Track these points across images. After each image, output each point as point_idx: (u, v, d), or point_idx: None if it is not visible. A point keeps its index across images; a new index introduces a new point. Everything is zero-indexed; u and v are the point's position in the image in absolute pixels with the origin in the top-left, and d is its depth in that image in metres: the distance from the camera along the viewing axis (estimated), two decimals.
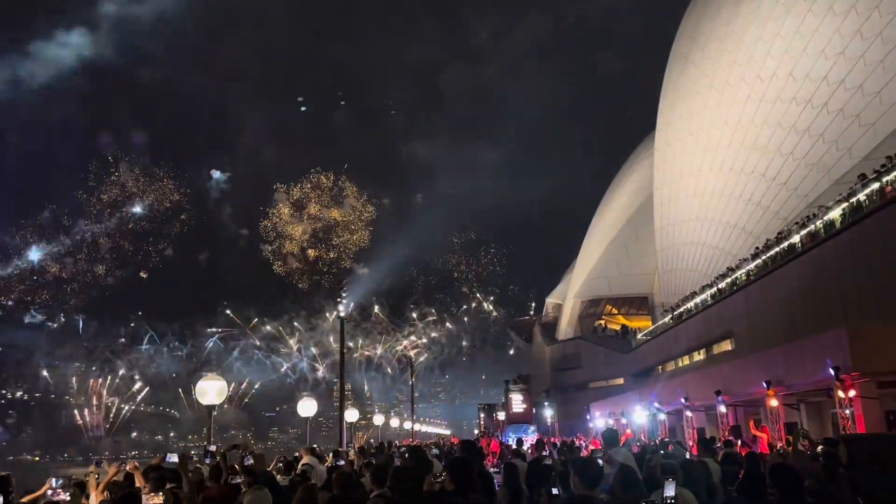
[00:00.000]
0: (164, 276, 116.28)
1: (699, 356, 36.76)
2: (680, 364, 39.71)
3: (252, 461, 7.83)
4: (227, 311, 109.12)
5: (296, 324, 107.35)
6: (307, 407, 23.10)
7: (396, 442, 32.01)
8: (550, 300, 73.40)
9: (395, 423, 71.57)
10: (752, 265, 30.55)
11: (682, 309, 39.75)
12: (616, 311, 61.96)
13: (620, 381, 50.53)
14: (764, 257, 29.36)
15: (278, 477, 9.77)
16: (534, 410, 60.83)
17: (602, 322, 61.01)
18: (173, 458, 8.69)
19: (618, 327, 59.11)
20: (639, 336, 50.65)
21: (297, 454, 13.47)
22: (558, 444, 26.18)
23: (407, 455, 11.80)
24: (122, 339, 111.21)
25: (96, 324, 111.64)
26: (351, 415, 31.01)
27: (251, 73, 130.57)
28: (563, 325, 64.74)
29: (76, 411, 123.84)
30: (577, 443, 28.86)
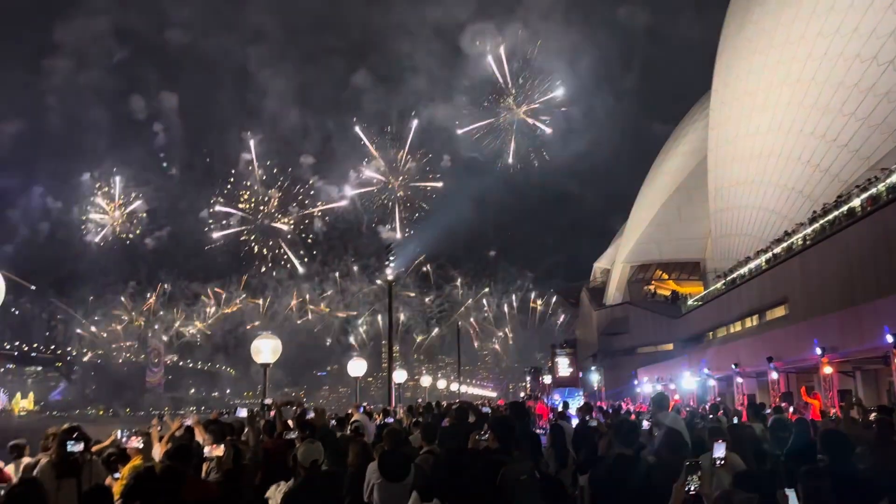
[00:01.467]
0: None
1: (751, 322, 36.15)
2: (731, 330, 39.13)
3: (314, 415, 8.13)
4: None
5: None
6: (357, 367, 23.65)
7: (444, 402, 32.53)
8: (598, 265, 72.81)
9: (441, 384, 72.63)
10: (809, 229, 29.72)
11: (735, 274, 39.04)
12: (666, 277, 61.16)
13: (669, 346, 50.10)
14: (822, 221, 28.51)
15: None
16: (580, 375, 60.91)
17: (652, 287, 60.37)
18: (242, 412, 9.05)
19: (668, 293, 58.40)
20: (689, 302, 49.99)
21: (348, 412, 13.87)
22: (605, 408, 26.28)
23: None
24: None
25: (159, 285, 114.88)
26: (399, 376, 31.61)
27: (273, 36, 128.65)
28: (611, 290, 64.26)
29: (137, 369, 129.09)
30: (624, 407, 28.90)
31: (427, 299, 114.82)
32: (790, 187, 36.55)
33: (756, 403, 15.33)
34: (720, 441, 5.38)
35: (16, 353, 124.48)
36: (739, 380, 27.84)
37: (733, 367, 27.40)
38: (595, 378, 57.31)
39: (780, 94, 37.08)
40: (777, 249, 33.16)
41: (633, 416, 19.91)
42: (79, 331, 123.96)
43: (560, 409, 18.44)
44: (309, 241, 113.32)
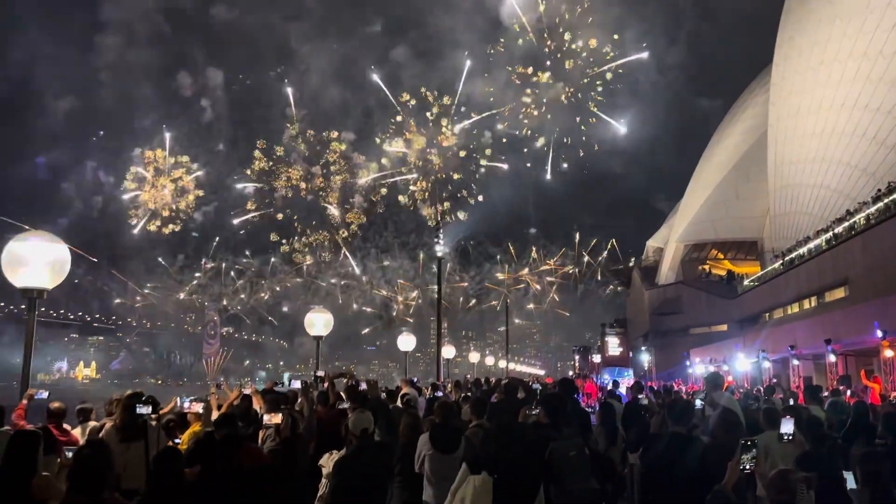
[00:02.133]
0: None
1: (809, 304, 35.22)
2: (788, 311, 38.21)
3: (366, 387, 8.33)
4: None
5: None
6: (406, 342, 23.97)
7: (492, 379, 32.70)
8: (651, 244, 71.66)
9: (489, 361, 72.90)
10: (872, 208, 28.64)
11: (793, 254, 38.00)
12: (722, 256, 59.88)
13: (724, 327, 49.19)
14: (887, 200, 27.44)
15: None
16: (630, 354, 60.38)
17: (706, 267, 59.21)
18: (296, 383, 9.31)
19: (723, 273, 57.20)
20: (745, 282, 48.92)
21: (398, 385, 14.09)
22: (656, 387, 26.04)
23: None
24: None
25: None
26: (447, 351, 31.86)
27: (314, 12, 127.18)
28: (664, 269, 63.27)
29: (194, 340, 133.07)
30: (675, 388, 28.57)
31: (468, 277, 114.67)
32: (853, 165, 35.25)
33: (812, 386, 15.00)
34: (788, 417, 5.31)
35: (78, 323, 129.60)
36: (795, 362, 27.22)
37: (789, 348, 26.80)
38: (646, 358, 56.77)
39: (844, 68, 35.65)
40: (838, 229, 32.12)
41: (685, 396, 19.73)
42: (138, 299, 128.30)
43: (610, 387, 18.39)
44: (353, 219, 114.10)
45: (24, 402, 7.66)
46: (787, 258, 39.06)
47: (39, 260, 8.15)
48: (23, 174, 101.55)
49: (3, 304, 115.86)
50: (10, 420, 7.10)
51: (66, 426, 7.71)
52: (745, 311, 45.94)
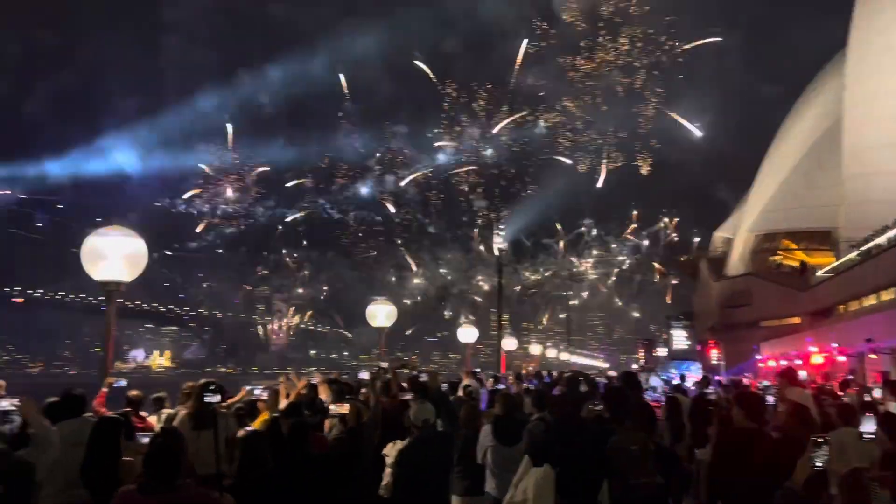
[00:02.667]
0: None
1: (889, 295, 33.74)
2: (865, 304, 36.67)
3: (426, 378, 8.43)
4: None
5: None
6: (467, 334, 24.05)
7: (554, 372, 32.52)
8: (719, 234, 69.72)
9: (551, 353, 72.43)
10: None
11: (871, 244, 36.42)
12: (794, 246, 57.81)
13: (796, 320, 47.53)
14: None
15: None
16: (697, 348, 59.10)
17: (778, 257, 57.30)
18: (364, 374, 9.49)
19: (795, 263, 55.24)
20: (819, 273, 47.14)
21: (460, 376, 14.17)
22: (724, 382, 25.39)
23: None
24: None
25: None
26: (508, 343, 31.81)
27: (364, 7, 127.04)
28: (732, 260, 61.48)
29: (263, 329, 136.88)
30: (745, 382, 27.79)
31: (526, 271, 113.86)
32: None
33: (892, 381, 14.36)
34: (868, 414, 5.13)
35: (153, 314, 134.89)
36: (872, 356, 26.14)
37: (866, 342, 25.76)
38: (713, 352, 55.43)
39: None
40: None
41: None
42: (208, 288, 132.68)
43: (677, 381, 18.06)
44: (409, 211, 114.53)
45: (105, 390, 8.03)
46: (863, 248, 37.51)
47: (117, 254, 8.54)
48: (95, 170, 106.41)
49: (82, 295, 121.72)
50: (91, 407, 7.47)
51: (142, 413, 8.07)
52: (819, 303, 44.29)
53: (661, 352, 63.05)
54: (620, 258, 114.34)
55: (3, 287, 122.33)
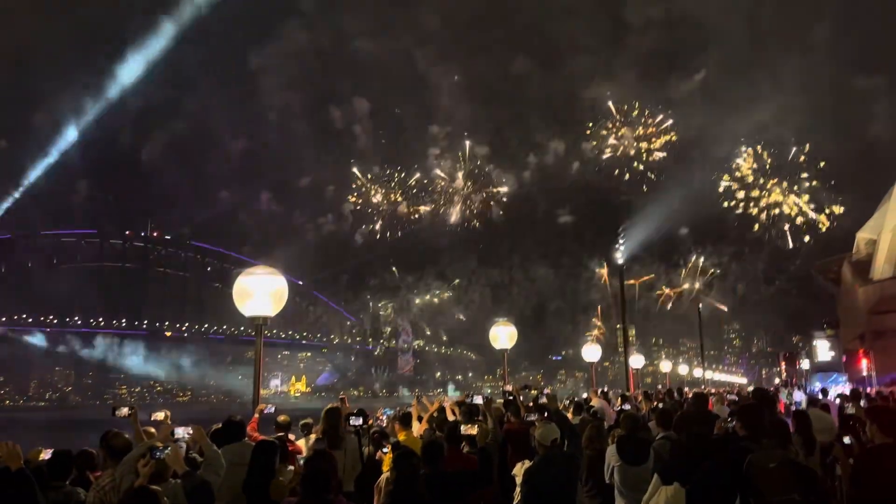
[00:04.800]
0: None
1: None
2: None
3: (545, 399, 8.64)
4: None
5: None
6: (591, 352, 23.76)
7: (686, 389, 31.45)
8: (862, 235, 64.90)
9: (683, 370, 69.67)
10: None
11: None
12: None
13: None
14: None
15: (568, 415, 10.51)
16: (844, 358, 55.09)
17: None
18: (478, 399, 9.86)
19: None
20: None
21: (585, 396, 14.18)
22: (872, 395, 23.66)
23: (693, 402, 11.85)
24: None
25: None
26: (636, 360, 31.08)
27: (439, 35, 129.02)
28: (878, 262, 57.02)
29: (391, 354, 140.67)
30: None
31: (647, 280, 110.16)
32: None
33: None
34: None
35: (290, 342, 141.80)
36: None
37: None
38: (863, 362, 51.46)
39: None
40: None
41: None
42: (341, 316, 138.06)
43: (818, 395, 17.12)
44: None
45: (257, 416, 8.79)
46: None
47: (263, 291, 9.38)
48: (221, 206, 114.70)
49: (224, 327, 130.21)
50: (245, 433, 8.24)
51: (290, 436, 8.78)
52: None
53: (806, 365, 59.14)
54: (751, 266, 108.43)
55: (153, 323, 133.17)
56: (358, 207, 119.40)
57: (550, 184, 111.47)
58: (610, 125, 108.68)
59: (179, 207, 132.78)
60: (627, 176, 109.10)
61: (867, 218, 67.22)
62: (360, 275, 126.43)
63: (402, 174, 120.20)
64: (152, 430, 6.90)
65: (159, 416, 6.99)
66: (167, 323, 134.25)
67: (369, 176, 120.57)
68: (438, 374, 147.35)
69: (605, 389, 19.18)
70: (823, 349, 57.03)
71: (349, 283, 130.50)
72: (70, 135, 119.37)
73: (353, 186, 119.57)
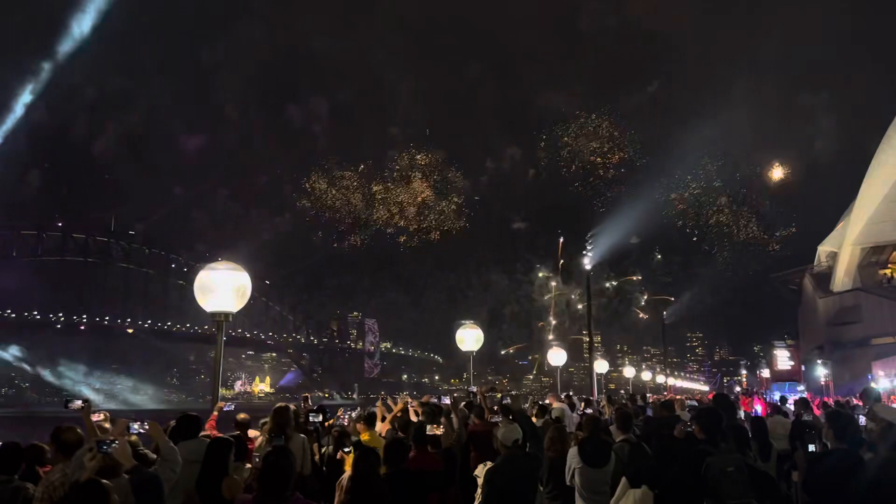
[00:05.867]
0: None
1: None
2: None
3: (510, 400, 8.66)
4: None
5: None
6: (556, 357, 23.94)
7: (650, 395, 31.78)
8: (823, 248, 66.35)
9: (646, 376, 70.54)
10: None
11: None
12: None
13: None
14: None
15: (533, 418, 10.54)
16: (802, 368, 56.28)
17: (888, 271, 54.03)
18: (446, 399, 9.84)
19: None
20: None
21: (546, 400, 14.23)
22: (831, 404, 24.17)
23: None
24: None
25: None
26: (600, 366, 31.34)
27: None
28: (838, 275, 58.36)
29: (357, 356, 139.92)
30: (853, 403, 26.33)
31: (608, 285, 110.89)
32: None
33: None
34: None
35: (253, 341, 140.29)
36: None
37: None
38: (822, 372, 52.58)
39: None
40: None
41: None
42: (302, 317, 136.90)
43: (777, 402, 17.45)
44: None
45: (215, 413, 8.65)
46: None
47: (226, 286, 9.23)
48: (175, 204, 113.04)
49: (188, 326, 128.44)
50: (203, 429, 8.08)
51: (251, 434, 8.64)
52: None
53: (766, 373, 60.33)
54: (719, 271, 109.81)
55: (115, 320, 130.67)
56: (314, 212, 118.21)
57: (506, 189, 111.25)
58: (564, 138, 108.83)
59: (132, 203, 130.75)
60: (579, 186, 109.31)
61: (813, 231, 68.83)
62: (317, 276, 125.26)
63: (361, 170, 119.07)
64: (107, 424, 6.73)
65: (99, 417, 6.81)
66: (129, 319, 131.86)
67: (324, 183, 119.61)
68: (405, 376, 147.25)
69: (570, 393, 19.27)
70: (783, 358, 58.17)
71: (306, 284, 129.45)
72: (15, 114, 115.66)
73: (308, 189, 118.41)
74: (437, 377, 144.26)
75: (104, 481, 4.37)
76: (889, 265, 54.60)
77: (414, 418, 9.81)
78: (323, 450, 8.72)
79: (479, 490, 7.33)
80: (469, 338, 16.51)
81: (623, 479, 6.39)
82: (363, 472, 5.63)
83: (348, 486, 5.88)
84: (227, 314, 9.31)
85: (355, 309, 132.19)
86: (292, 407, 8.22)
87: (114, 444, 5.16)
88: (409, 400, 10.72)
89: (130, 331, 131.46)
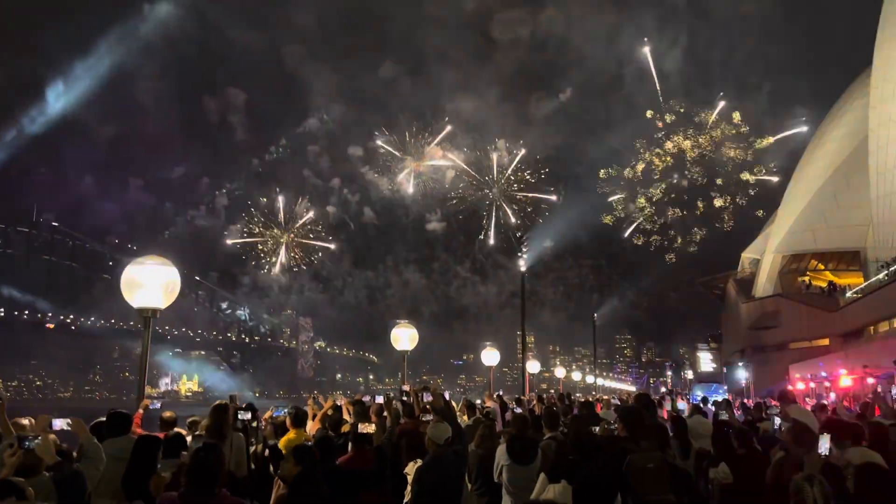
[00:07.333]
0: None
1: None
2: (895, 324, 36.15)
3: (431, 398, 8.75)
4: None
5: None
6: (490, 357, 24.21)
7: (579, 395, 32.52)
8: (746, 255, 69.11)
9: (576, 376, 72.02)
10: None
11: None
12: (822, 267, 57.10)
13: (825, 341, 46.93)
14: None
15: (462, 417, 10.68)
16: (724, 370, 58.43)
17: (806, 278, 56.61)
18: (379, 398, 9.86)
19: (824, 284, 54.56)
20: (848, 294, 46.54)
21: (479, 400, 14.43)
22: (751, 405, 25.23)
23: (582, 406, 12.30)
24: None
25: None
26: (532, 366, 31.87)
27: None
28: (760, 281, 60.85)
29: (290, 355, 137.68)
30: (771, 404, 27.55)
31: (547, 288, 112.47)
32: None
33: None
34: (825, 434, 5.35)
35: (182, 339, 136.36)
36: None
37: (894, 363, 25.42)
38: (743, 374, 54.77)
39: None
40: None
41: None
42: (240, 313, 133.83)
43: (699, 403, 18.11)
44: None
45: (141, 411, 8.46)
46: (892, 268, 37.05)
47: (154, 282, 9.02)
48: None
49: (112, 322, 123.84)
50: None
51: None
52: (848, 324, 43.70)
53: (690, 375, 62.50)
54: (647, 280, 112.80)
55: (35, 314, 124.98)
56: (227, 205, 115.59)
57: (423, 190, 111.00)
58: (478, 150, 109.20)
59: (40, 193, 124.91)
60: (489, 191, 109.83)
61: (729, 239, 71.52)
62: (231, 272, 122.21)
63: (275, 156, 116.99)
64: (25, 421, 6.52)
65: (23, 421, 6.59)
66: (49, 314, 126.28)
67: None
68: (339, 376, 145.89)
69: (501, 393, 19.54)
70: (706, 360, 60.26)
71: (220, 279, 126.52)
72: None
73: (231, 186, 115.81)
74: (371, 377, 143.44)
75: (18, 479, 4.25)
76: (808, 273, 57.13)
77: (347, 416, 9.82)
78: (252, 448, 8.63)
79: (408, 487, 7.42)
80: (404, 336, 16.58)
81: (542, 475, 6.56)
82: (307, 466, 5.62)
83: (288, 482, 5.87)
84: (154, 310, 9.11)
85: (289, 306, 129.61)
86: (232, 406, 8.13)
87: (36, 441, 5.02)
88: (341, 398, 10.71)
89: (51, 325, 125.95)
